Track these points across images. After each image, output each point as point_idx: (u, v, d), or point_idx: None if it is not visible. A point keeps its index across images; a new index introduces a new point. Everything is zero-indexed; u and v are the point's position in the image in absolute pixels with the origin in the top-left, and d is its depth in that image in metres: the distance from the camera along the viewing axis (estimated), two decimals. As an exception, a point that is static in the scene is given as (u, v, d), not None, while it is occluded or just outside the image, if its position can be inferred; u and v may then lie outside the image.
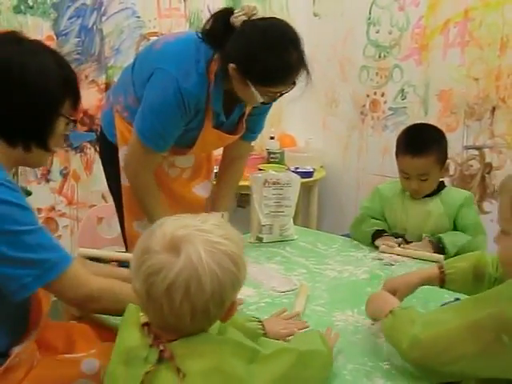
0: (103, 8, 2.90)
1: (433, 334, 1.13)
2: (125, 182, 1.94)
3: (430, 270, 1.50)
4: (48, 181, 2.79)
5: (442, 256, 1.87)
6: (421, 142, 1.98)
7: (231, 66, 1.66)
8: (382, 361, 1.28)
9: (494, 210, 2.91)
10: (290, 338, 1.31)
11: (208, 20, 1.73)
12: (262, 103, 1.75)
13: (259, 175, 2.15)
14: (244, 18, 1.65)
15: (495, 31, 2.94)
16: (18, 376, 1.17)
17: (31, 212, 1.16)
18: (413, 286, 1.47)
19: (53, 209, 2.85)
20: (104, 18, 2.91)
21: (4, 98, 1.16)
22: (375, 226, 2.06)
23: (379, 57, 3.43)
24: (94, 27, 2.89)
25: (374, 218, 2.12)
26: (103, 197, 2.98)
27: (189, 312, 0.89)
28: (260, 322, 1.28)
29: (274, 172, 2.19)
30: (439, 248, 1.93)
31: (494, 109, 3.00)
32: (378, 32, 3.43)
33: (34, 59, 1.19)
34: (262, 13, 3.50)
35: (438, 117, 3.15)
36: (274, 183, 2.13)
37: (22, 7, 2.65)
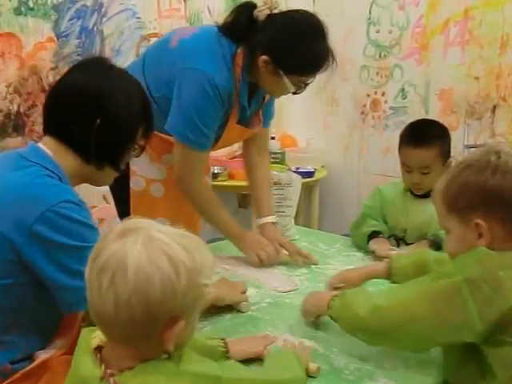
0: (103, 9, 2.91)
1: (392, 301, 1.18)
2: (135, 186, 1.92)
3: (379, 264, 1.57)
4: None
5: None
6: (424, 134, 1.99)
7: (262, 57, 1.68)
8: (384, 361, 1.27)
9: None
10: (263, 354, 1.25)
11: (230, 14, 1.75)
12: (294, 93, 1.78)
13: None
14: (267, 11, 1.68)
15: (495, 30, 2.94)
16: (35, 380, 1.18)
17: (96, 231, 1.22)
18: (360, 279, 1.53)
19: (54, 210, 2.85)
20: (104, 19, 2.92)
21: (90, 119, 1.23)
22: (373, 227, 2.04)
23: (379, 56, 3.43)
24: (95, 28, 2.89)
25: (373, 217, 2.09)
26: (104, 198, 2.98)
27: (112, 301, 0.82)
28: (223, 340, 1.21)
29: (275, 172, 2.19)
30: (437, 244, 1.90)
31: (494, 108, 3.00)
32: (378, 31, 3.43)
33: (122, 87, 1.28)
34: (262, 13, 3.52)
35: (438, 116, 3.15)
36: (275, 183, 2.13)
37: (23, 9, 2.65)
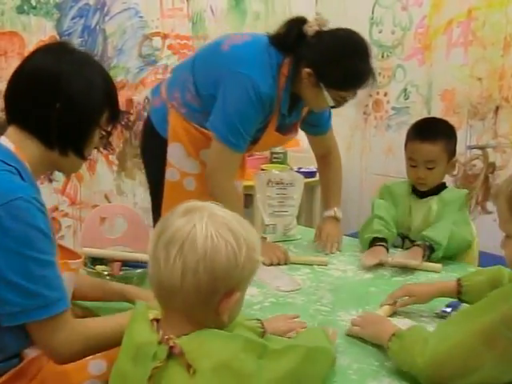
0: (106, 8, 2.91)
1: (447, 347, 1.11)
2: (170, 177, 1.99)
3: (448, 282, 1.50)
4: (51, 181, 2.79)
5: (439, 265, 1.87)
6: (430, 129, 2.02)
7: (306, 70, 1.78)
8: (388, 360, 1.27)
9: (496, 210, 2.90)
10: (291, 334, 1.31)
11: (282, 26, 1.84)
12: (332, 107, 1.86)
13: (262, 175, 2.15)
14: (317, 28, 1.78)
15: (498, 31, 2.94)
16: (27, 379, 1.16)
17: (50, 240, 1.13)
18: (430, 295, 1.48)
19: (56, 209, 2.85)
20: (107, 18, 2.92)
21: (49, 103, 1.20)
22: (375, 233, 2.01)
23: (382, 56, 3.43)
24: (97, 27, 2.89)
25: (382, 219, 2.05)
26: (106, 197, 2.99)
27: (180, 269, 0.90)
28: (259, 320, 1.28)
29: (277, 172, 2.19)
30: (429, 247, 1.88)
31: (497, 108, 3.00)
32: (380, 32, 3.43)
33: (82, 70, 1.24)
34: (264, 12, 3.54)
35: (441, 116, 3.12)
36: (277, 183, 2.13)
37: (25, 7, 2.65)
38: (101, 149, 1.37)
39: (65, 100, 1.20)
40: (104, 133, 1.30)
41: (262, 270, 1.81)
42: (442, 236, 1.90)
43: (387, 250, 1.94)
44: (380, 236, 1.98)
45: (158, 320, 0.99)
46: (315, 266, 1.88)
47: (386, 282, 1.77)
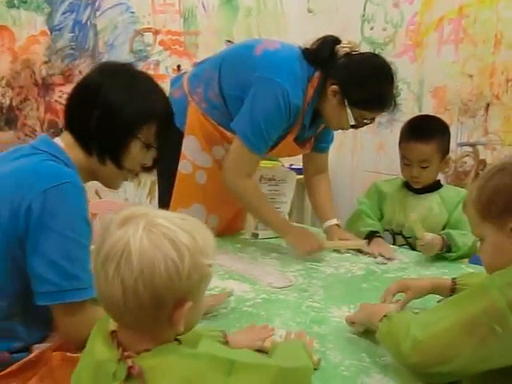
0: (97, 3, 2.89)
1: (431, 334, 1.11)
2: (183, 169, 2.03)
3: (442, 279, 1.51)
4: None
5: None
6: (425, 128, 2.04)
7: (333, 87, 1.85)
8: (380, 356, 1.27)
9: (487, 206, 2.91)
10: (267, 344, 1.26)
11: (316, 42, 1.91)
12: (352, 126, 1.90)
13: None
14: (348, 50, 1.86)
15: (489, 28, 2.94)
16: (33, 373, 1.17)
17: (89, 227, 1.20)
18: (424, 290, 1.48)
19: (46, 205, 2.84)
20: (98, 13, 2.90)
21: (89, 111, 1.28)
22: (370, 226, 2.05)
23: (373, 53, 3.43)
24: (88, 22, 2.88)
25: (369, 215, 2.11)
26: (97, 193, 2.97)
27: (119, 288, 0.84)
28: (222, 331, 1.22)
29: (269, 168, 2.19)
30: (447, 245, 1.90)
31: (488, 106, 3.01)
32: (372, 29, 3.43)
33: (124, 84, 1.31)
34: (256, 8, 3.54)
35: (432, 113, 3.14)
36: (269, 179, 2.13)
37: (16, 1, 2.64)
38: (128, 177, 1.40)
39: (103, 108, 1.27)
40: (146, 146, 1.34)
41: (253, 267, 1.83)
42: (464, 243, 1.91)
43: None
44: (375, 229, 2.05)
45: (116, 333, 0.92)
46: (307, 263, 1.88)
47: (378, 278, 1.78)
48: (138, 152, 1.33)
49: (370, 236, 2.03)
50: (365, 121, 1.90)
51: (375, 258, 1.94)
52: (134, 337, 0.90)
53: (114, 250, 0.85)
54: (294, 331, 1.33)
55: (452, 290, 1.45)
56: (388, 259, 1.92)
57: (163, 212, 0.91)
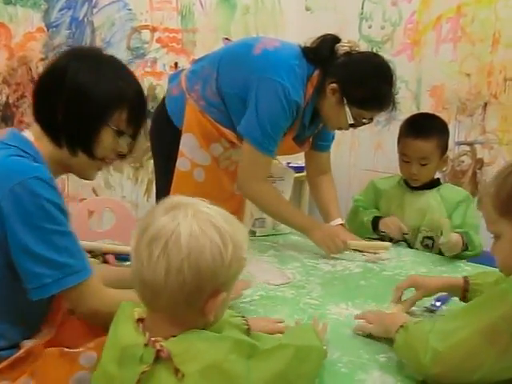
0: (94, 0, 2.88)
1: (451, 344, 1.09)
2: (181, 167, 2.01)
3: (454, 278, 1.48)
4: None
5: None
6: (424, 125, 2.04)
7: (332, 85, 1.84)
8: (378, 353, 1.27)
9: (485, 205, 2.91)
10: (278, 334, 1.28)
11: (315, 41, 1.91)
12: (351, 125, 1.88)
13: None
14: (347, 49, 1.86)
15: (487, 27, 2.94)
16: (23, 369, 1.16)
17: (66, 214, 1.17)
18: (435, 289, 1.46)
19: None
20: (95, 10, 2.89)
21: (55, 98, 1.21)
22: (372, 214, 2.06)
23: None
24: (85, 19, 2.87)
25: (365, 208, 2.13)
26: (94, 190, 2.96)
27: (164, 268, 0.87)
28: (244, 317, 1.24)
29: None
30: (465, 244, 1.90)
31: (485, 105, 3.01)
32: (370, 27, 3.43)
33: (92, 67, 1.24)
34: (254, 6, 3.53)
35: (430, 112, 3.15)
36: (267, 177, 2.12)
37: (13, -2, 2.62)
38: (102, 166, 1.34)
39: (69, 94, 1.21)
40: (118, 133, 1.27)
41: (251, 264, 1.82)
42: (479, 242, 1.93)
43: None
44: (378, 215, 2.07)
45: (143, 320, 0.96)
46: (305, 260, 1.88)
47: (376, 275, 1.78)
48: (110, 140, 1.27)
49: (376, 221, 2.04)
50: (363, 120, 1.90)
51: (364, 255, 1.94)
52: (161, 322, 0.93)
53: (162, 231, 0.88)
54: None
55: (465, 289, 1.42)
56: (380, 259, 1.91)
57: (205, 204, 0.96)
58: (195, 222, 0.89)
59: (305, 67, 1.87)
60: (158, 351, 0.89)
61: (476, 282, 1.41)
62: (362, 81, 1.82)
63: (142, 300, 0.95)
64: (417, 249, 2.06)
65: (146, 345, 0.90)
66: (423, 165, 2.00)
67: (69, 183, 2.89)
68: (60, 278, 1.13)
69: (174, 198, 0.95)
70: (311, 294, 1.61)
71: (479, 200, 1.19)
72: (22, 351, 1.16)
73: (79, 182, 2.92)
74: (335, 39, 1.89)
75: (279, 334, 1.28)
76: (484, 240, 1.95)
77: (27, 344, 1.18)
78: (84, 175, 1.35)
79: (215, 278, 0.90)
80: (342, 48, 1.85)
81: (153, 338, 0.90)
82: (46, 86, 1.24)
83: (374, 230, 2.05)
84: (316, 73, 1.88)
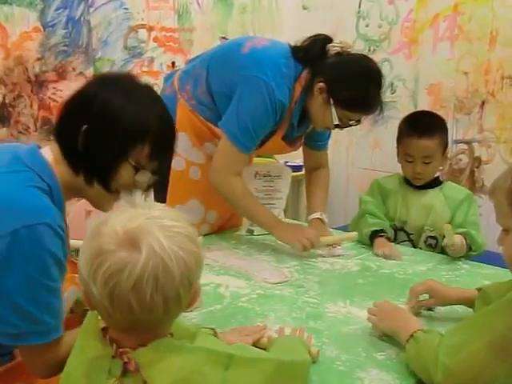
0: (91, -1, 2.87)
1: (461, 360, 1.07)
2: (176, 166, 1.99)
3: (470, 290, 1.43)
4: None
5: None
6: (426, 124, 2.03)
7: (320, 85, 1.82)
8: (376, 351, 1.27)
9: (483, 204, 2.90)
10: (264, 340, 1.25)
11: (306, 40, 1.89)
12: (336, 126, 1.86)
13: (250, 167, 2.13)
14: (339, 49, 1.83)
15: (485, 25, 2.94)
16: (17, 377, 1.15)
17: (64, 268, 1.10)
18: (450, 300, 1.44)
19: (40, 202, 2.81)
20: (92, 10, 2.88)
21: (78, 125, 1.14)
22: (373, 226, 2.03)
23: (368, 50, 3.41)
24: (82, 19, 2.85)
25: (373, 213, 2.07)
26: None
27: (161, 303, 0.84)
28: (212, 329, 1.17)
29: (264, 164, 2.18)
30: (469, 244, 1.89)
31: (483, 103, 3.01)
32: (367, 25, 3.42)
33: (119, 98, 1.16)
34: (251, 5, 3.52)
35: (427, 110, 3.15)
36: (264, 175, 2.12)
37: (8, -3, 2.61)
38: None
39: (93, 123, 1.14)
40: (137, 168, 1.18)
41: (248, 263, 1.82)
42: (482, 241, 1.92)
43: (389, 239, 2.01)
44: (378, 228, 2.02)
45: (107, 329, 0.92)
46: (303, 259, 1.87)
47: (373, 274, 1.78)
48: (128, 175, 1.18)
49: (372, 236, 2.00)
50: (350, 122, 1.88)
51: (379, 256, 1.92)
52: (128, 332, 0.88)
53: (146, 269, 0.82)
54: (290, 327, 1.32)
55: None
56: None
57: (151, 211, 0.90)
58: (171, 243, 0.84)
59: (292, 66, 1.86)
60: (125, 363, 0.85)
61: (492, 295, 1.34)
62: (350, 82, 1.81)
63: (121, 327, 0.89)
64: (420, 248, 2.05)
65: (113, 357, 0.87)
66: (427, 163, 2.00)
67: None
68: (29, 333, 1.05)
69: (122, 225, 0.85)
70: (309, 292, 1.61)
71: (491, 192, 1.16)
72: (15, 362, 1.14)
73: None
74: (327, 39, 1.88)
75: (265, 339, 1.25)
76: (484, 238, 1.95)
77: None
78: (99, 206, 1.26)
79: (199, 276, 0.91)
80: (334, 48, 1.84)
81: (121, 349, 0.87)
82: (72, 111, 1.19)
83: (371, 243, 2.01)
84: (305, 72, 1.87)
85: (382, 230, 2.02)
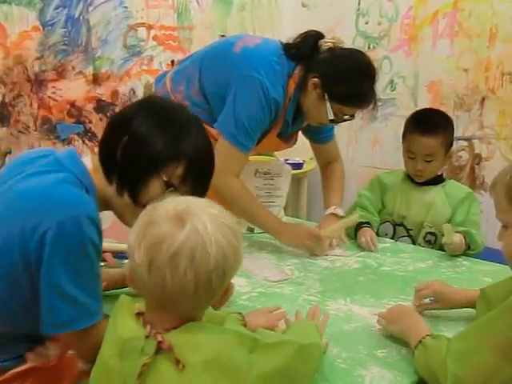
0: (90, -2, 2.87)
1: (470, 368, 1.08)
2: None
3: (474, 293, 1.42)
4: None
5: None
6: (430, 122, 2.03)
7: (314, 80, 1.83)
8: (377, 349, 1.27)
9: (483, 201, 2.90)
10: (281, 326, 1.29)
11: (298, 36, 1.90)
12: (331, 121, 1.86)
13: (250, 165, 2.13)
14: (331, 45, 1.84)
15: (484, 22, 2.94)
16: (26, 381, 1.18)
17: (100, 255, 1.17)
18: (457, 304, 1.44)
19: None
20: (91, 9, 2.87)
21: (117, 138, 1.21)
22: (360, 218, 2.03)
23: (368, 48, 3.41)
24: (81, 17, 2.85)
25: (364, 207, 2.10)
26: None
27: (192, 282, 0.88)
28: (240, 313, 1.26)
29: (264, 162, 2.17)
30: (467, 243, 1.89)
31: (483, 99, 3.01)
32: (367, 23, 3.42)
33: (158, 121, 1.22)
34: (250, 3, 3.51)
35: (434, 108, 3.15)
36: (264, 173, 2.12)
37: (7, -3, 2.61)
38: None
39: (131, 137, 1.20)
40: (167, 186, 1.21)
41: (249, 261, 1.82)
42: (481, 241, 1.92)
43: (373, 231, 2.02)
44: (364, 220, 2.03)
45: (142, 313, 0.96)
46: (303, 257, 1.88)
47: (374, 271, 1.78)
48: (157, 191, 1.20)
49: (358, 227, 2.02)
50: (345, 117, 1.88)
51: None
52: (162, 316, 0.93)
53: (185, 245, 0.87)
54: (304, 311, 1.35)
55: None
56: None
57: (206, 202, 0.96)
58: (214, 229, 0.89)
59: (285, 63, 1.86)
60: (159, 343, 0.89)
61: (491, 295, 1.33)
62: (344, 76, 1.81)
63: (149, 301, 0.95)
64: (419, 244, 2.05)
65: (146, 337, 0.91)
66: (428, 161, 2.00)
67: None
68: (76, 319, 1.11)
69: (173, 205, 0.93)
70: (310, 290, 1.61)
71: (492, 188, 1.17)
72: (28, 365, 1.16)
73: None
74: (319, 35, 1.88)
75: (283, 325, 1.29)
76: (485, 236, 1.96)
77: (32, 357, 1.18)
78: (123, 218, 1.30)
79: (234, 272, 0.95)
80: (326, 44, 1.84)
81: (154, 331, 0.91)
82: (114, 125, 1.26)
83: (355, 234, 2.02)
84: (298, 69, 1.87)
85: (367, 222, 2.04)
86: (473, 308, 1.40)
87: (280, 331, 1.26)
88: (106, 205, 1.27)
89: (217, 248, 0.88)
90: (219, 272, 0.89)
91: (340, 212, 2.06)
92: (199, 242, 0.88)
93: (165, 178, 1.20)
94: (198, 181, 1.26)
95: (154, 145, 1.19)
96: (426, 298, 1.45)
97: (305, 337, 1.14)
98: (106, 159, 1.23)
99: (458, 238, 1.84)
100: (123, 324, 0.96)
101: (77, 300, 1.10)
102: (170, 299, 0.90)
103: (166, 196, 1.17)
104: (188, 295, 0.89)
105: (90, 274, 1.13)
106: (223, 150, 1.85)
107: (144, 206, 1.18)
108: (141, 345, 0.91)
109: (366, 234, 1.97)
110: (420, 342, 1.19)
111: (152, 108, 1.26)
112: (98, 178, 1.23)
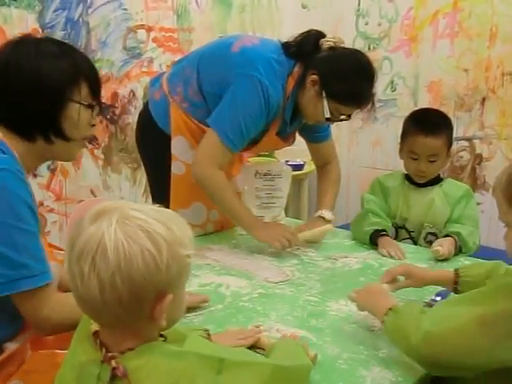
0: (89, 0, 2.86)
1: (445, 328, 1.10)
2: (176, 171, 1.99)
3: (446, 271, 1.49)
4: (35, 176, 2.75)
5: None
6: (433, 122, 2.02)
7: (312, 77, 1.82)
8: (378, 349, 1.26)
9: (484, 201, 2.91)
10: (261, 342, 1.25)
11: (299, 35, 1.90)
12: (327, 119, 1.86)
13: (250, 166, 2.13)
14: (332, 44, 1.83)
15: (484, 22, 2.94)
16: (9, 371, 1.14)
17: (34, 213, 1.13)
18: (427, 281, 1.47)
19: (41, 204, 2.80)
20: (90, 11, 2.87)
21: (8, 93, 1.17)
22: (375, 225, 2.01)
23: (368, 48, 3.41)
24: (80, 20, 2.85)
25: (376, 213, 2.06)
26: (92, 192, 2.95)
27: (96, 285, 0.81)
28: (206, 330, 1.16)
29: (264, 163, 2.17)
30: (459, 246, 1.89)
31: (483, 100, 3.00)
32: (367, 24, 3.42)
33: (32, 53, 1.18)
34: (250, 5, 3.51)
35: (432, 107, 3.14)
36: (265, 174, 2.12)
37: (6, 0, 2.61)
38: (86, 143, 1.32)
39: (18, 85, 1.16)
40: (88, 107, 1.23)
41: (249, 262, 1.81)
42: (474, 243, 1.92)
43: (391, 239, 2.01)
44: (380, 228, 2.00)
45: (99, 333, 0.90)
46: (304, 257, 1.87)
47: (375, 272, 1.77)
48: (79, 115, 1.21)
49: (375, 236, 1.98)
50: (341, 116, 1.87)
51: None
52: (116, 336, 0.87)
53: (88, 245, 0.82)
54: (285, 332, 1.32)
55: (455, 282, 1.43)
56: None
57: (138, 204, 0.88)
58: (120, 229, 0.82)
59: (284, 62, 1.86)
60: (114, 369, 0.84)
61: (466, 273, 1.42)
62: (343, 75, 1.80)
63: (87, 315, 0.89)
64: (420, 245, 2.04)
65: (102, 361, 0.86)
66: (432, 161, 1.99)
67: (66, 185, 2.88)
68: (15, 280, 1.08)
69: (101, 205, 0.87)
70: (310, 291, 1.60)
71: (493, 190, 1.19)
72: (5, 354, 1.14)
73: (77, 184, 2.91)
74: (320, 34, 1.87)
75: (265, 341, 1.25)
76: (486, 236, 1.95)
77: (11, 346, 1.15)
78: (68, 158, 1.32)
79: (153, 284, 0.83)
80: (327, 43, 1.83)
81: (109, 354, 0.85)
82: None
83: (371, 242, 1.99)
84: (297, 66, 1.86)
85: (383, 229, 2.00)
86: (442, 286, 1.47)
87: (264, 346, 1.22)
88: (38, 160, 1.26)
89: (115, 247, 0.81)
90: (123, 274, 0.81)
91: (328, 215, 2.05)
92: (99, 241, 0.81)
93: (78, 100, 1.21)
94: (99, 92, 1.28)
95: (47, 79, 1.17)
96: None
97: (289, 357, 1.08)
98: (14, 122, 1.19)
99: (446, 251, 1.84)
100: (81, 346, 0.91)
101: (9, 259, 1.07)
102: (87, 306, 0.85)
103: (91, 115, 1.25)
104: (96, 300, 0.82)
105: (21, 231, 1.08)
106: (211, 143, 1.85)
107: (79, 138, 1.25)
108: (97, 371, 0.86)
109: (387, 245, 1.93)
110: (390, 309, 1.21)
111: (18, 45, 1.20)
112: (15, 144, 1.18)
